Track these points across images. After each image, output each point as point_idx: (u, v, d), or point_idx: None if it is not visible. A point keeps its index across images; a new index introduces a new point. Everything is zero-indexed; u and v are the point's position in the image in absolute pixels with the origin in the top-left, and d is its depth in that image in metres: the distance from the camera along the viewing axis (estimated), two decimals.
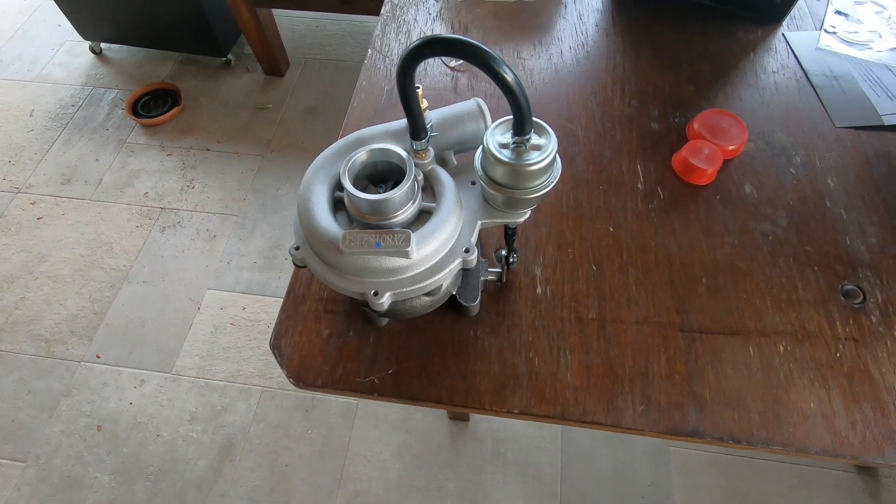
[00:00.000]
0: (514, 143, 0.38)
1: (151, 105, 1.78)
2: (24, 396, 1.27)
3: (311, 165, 0.43)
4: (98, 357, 1.32)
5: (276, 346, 0.51)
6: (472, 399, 0.48)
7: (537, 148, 0.39)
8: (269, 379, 1.29)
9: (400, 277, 0.40)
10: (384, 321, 0.51)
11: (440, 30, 0.78)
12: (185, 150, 1.70)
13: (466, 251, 0.41)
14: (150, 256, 1.48)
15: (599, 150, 0.65)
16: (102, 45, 1.95)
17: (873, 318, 0.52)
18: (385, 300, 0.39)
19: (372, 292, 0.39)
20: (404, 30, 0.78)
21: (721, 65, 0.73)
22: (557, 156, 0.40)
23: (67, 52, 1.98)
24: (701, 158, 0.60)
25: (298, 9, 1.73)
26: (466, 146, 0.46)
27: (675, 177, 0.62)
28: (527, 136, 0.38)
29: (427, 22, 0.79)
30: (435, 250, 0.40)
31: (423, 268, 0.40)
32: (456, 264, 0.41)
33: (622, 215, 0.59)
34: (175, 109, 1.75)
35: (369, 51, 0.75)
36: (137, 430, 1.22)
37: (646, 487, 1.15)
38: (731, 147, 0.62)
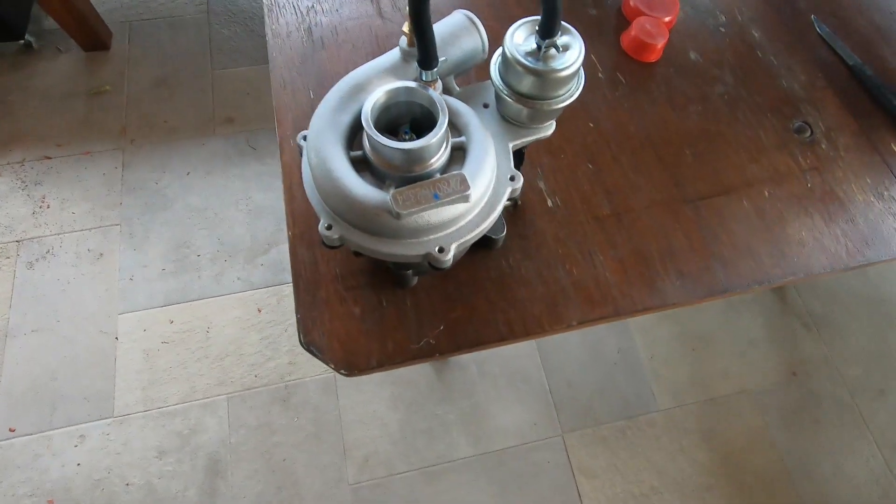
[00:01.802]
0: (545, 46, 0.35)
1: None
2: None
3: (312, 129, 0.37)
4: (12, 431, 1.11)
5: (309, 343, 0.45)
6: (532, 325, 0.47)
7: (565, 48, 0.36)
8: (230, 385, 1.18)
9: (460, 225, 0.36)
10: (415, 280, 0.48)
11: None
12: (17, 166, 1.38)
13: (512, 178, 0.38)
14: (28, 300, 1.23)
15: None
16: None
17: (823, 146, 0.59)
18: (451, 254, 0.36)
19: (437, 249, 0.36)
20: None
21: None
22: None
23: None
24: (651, 34, 0.60)
25: None
26: (465, 66, 0.42)
27: (628, 58, 0.62)
28: (555, 38, 0.35)
29: None
30: (486, 186, 0.37)
31: (478, 208, 0.37)
32: (507, 194, 0.38)
33: (596, 108, 0.59)
34: None
35: None
36: (100, 488, 1.08)
37: (616, 355, 1.28)
38: (668, 18, 0.64)
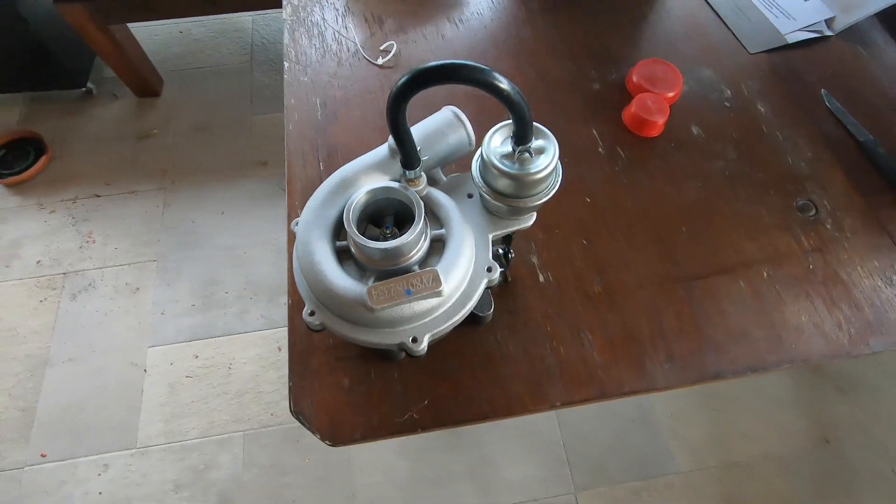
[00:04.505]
0: (518, 152, 0.37)
1: (11, 160, 1.53)
2: None
3: (302, 221, 0.39)
4: (44, 456, 1.17)
5: (298, 412, 0.47)
6: (514, 405, 0.48)
7: (539, 152, 0.38)
8: (246, 422, 1.22)
9: (434, 316, 0.38)
10: (402, 354, 0.49)
11: (353, 25, 0.72)
12: (69, 203, 1.49)
13: (489, 270, 0.40)
14: (68, 330, 1.31)
15: (553, 121, 0.64)
16: None
17: (828, 226, 0.58)
18: (425, 344, 0.38)
19: (410, 339, 0.37)
20: (316, 32, 0.71)
21: (635, 12, 0.75)
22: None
23: None
24: (651, 111, 0.62)
25: (157, 18, 1.54)
26: (451, 158, 0.44)
27: (629, 133, 0.64)
28: (529, 144, 0.37)
29: (337, 19, 0.73)
30: (461, 279, 0.38)
31: (453, 300, 0.39)
32: (483, 286, 0.40)
33: (593, 183, 0.60)
34: (43, 159, 1.52)
35: (285, 63, 0.69)
36: None
37: (633, 411, 1.25)
38: (671, 94, 0.65)
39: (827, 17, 0.73)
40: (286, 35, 0.71)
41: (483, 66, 0.31)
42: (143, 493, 1.14)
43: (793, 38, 0.71)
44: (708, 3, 0.75)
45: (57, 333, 1.31)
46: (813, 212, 0.59)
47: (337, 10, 0.74)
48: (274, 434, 1.20)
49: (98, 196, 1.50)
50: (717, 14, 0.73)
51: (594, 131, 0.64)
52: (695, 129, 0.64)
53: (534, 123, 0.37)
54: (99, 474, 1.16)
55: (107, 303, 1.35)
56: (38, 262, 1.40)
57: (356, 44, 0.70)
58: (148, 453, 1.18)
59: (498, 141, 0.38)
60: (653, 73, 0.65)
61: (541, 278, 0.54)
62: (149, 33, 1.79)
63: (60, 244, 1.43)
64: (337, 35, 0.71)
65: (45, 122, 1.62)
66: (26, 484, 1.14)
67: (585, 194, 0.59)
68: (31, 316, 1.33)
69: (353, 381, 0.49)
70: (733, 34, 0.72)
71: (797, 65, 0.70)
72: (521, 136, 0.36)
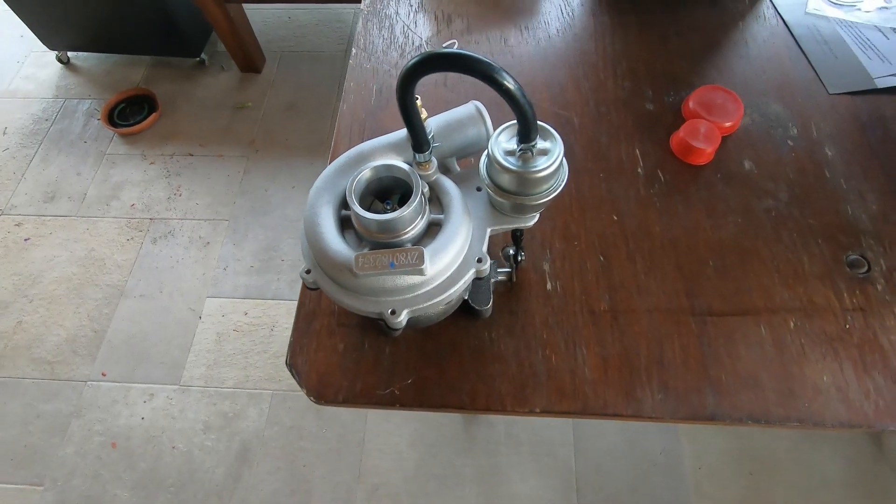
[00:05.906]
0: (520, 150, 0.38)
1: (128, 113, 1.74)
2: (34, 421, 1.27)
3: (314, 186, 0.43)
4: (104, 375, 1.32)
5: (292, 365, 0.51)
6: (494, 402, 0.48)
7: (543, 153, 0.38)
8: (278, 382, 1.29)
9: (416, 294, 0.40)
10: (397, 331, 0.51)
11: (423, 21, 0.76)
12: (167, 157, 1.66)
13: (479, 261, 0.41)
14: (145, 269, 1.47)
15: (596, 137, 0.64)
16: (69, 53, 1.89)
17: (879, 287, 0.53)
18: (403, 318, 0.39)
19: (389, 311, 0.39)
20: (387, 24, 0.75)
21: (710, 36, 0.72)
22: (563, 159, 0.39)
23: (33, 63, 1.91)
24: (699, 139, 0.59)
25: (269, 2, 1.68)
26: (468, 151, 0.45)
27: (675, 158, 0.62)
28: (533, 143, 0.37)
29: (409, 14, 0.76)
30: (448, 264, 0.40)
31: (438, 282, 0.40)
32: (470, 275, 0.41)
33: (625, 202, 0.59)
34: (153, 115, 1.71)
35: (353, 49, 0.73)
36: (152, 444, 1.23)
37: (657, 455, 1.18)
38: (728, 124, 0.62)
39: None
40: (360, 24, 0.76)
41: (489, 61, 0.33)
42: (177, 427, 1.24)
43: (884, 82, 0.66)
44: (792, 34, 0.70)
45: (135, 270, 1.46)
46: (864, 269, 0.54)
47: (411, 5, 0.77)
48: (300, 399, 1.27)
49: (191, 155, 1.66)
50: (800, 47, 0.69)
51: (637, 151, 0.62)
52: (747, 164, 0.61)
53: (543, 125, 0.38)
54: (145, 401, 1.28)
55: (180, 251, 1.49)
56: (132, 205, 1.57)
57: (422, 39, 0.74)
58: (188, 392, 1.28)
59: (506, 137, 0.39)
60: (712, 101, 0.63)
61: (548, 286, 0.54)
62: (260, 15, 1.95)
63: (153, 192, 1.60)
64: (405, 29, 0.75)
65: (161, 83, 1.81)
66: (85, 396, 1.29)
67: (614, 212, 0.58)
68: (118, 251, 1.49)
69: (348, 347, 0.51)
70: (814, 70, 0.67)
71: (883, 112, 0.64)
72: (525, 134, 0.37)
